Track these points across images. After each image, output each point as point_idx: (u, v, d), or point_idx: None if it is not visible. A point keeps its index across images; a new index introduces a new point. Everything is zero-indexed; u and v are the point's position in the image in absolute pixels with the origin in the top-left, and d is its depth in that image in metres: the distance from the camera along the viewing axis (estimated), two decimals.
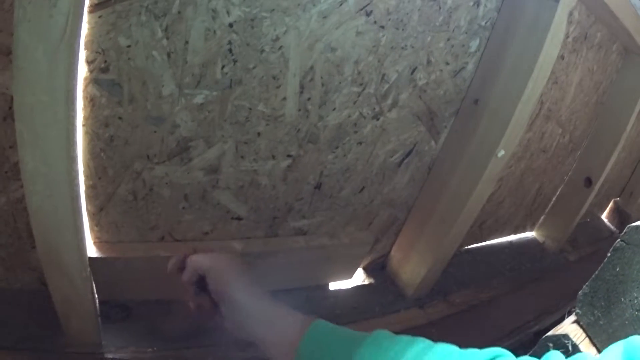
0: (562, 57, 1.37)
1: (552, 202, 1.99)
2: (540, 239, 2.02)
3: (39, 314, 0.98)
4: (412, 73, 1.13)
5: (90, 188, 0.95)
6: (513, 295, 1.58)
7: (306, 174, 1.14)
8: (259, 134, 1.02)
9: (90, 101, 0.86)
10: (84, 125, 0.88)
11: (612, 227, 2.44)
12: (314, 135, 1.09)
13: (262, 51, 0.94)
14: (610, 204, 2.52)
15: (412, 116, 1.19)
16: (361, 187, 1.25)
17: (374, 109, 1.12)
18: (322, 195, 1.20)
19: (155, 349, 1.03)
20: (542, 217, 2.03)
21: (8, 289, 1.03)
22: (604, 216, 2.51)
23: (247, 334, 0.88)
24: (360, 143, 1.16)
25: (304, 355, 0.81)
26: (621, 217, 2.52)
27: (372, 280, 1.43)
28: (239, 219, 1.13)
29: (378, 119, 1.15)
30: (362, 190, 1.26)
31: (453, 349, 0.70)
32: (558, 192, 1.96)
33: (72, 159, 0.77)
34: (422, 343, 0.72)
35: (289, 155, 1.09)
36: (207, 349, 1.05)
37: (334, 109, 1.07)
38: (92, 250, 1.01)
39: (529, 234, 2.05)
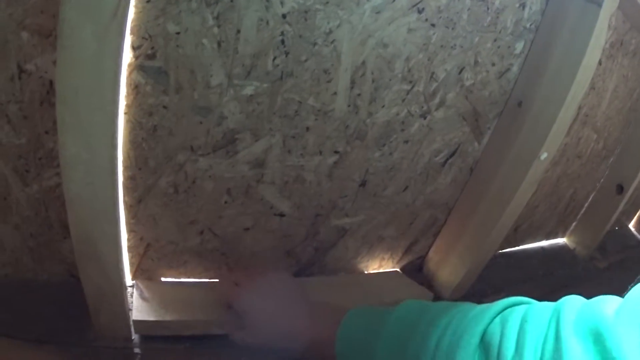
0: (600, 63, 1.33)
1: (584, 209, 1.95)
2: (571, 245, 1.99)
3: (67, 306, 0.96)
4: (459, 73, 1.11)
5: (129, 179, 0.93)
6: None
7: (352, 171, 1.12)
8: (307, 128, 1.00)
9: (135, 88, 0.83)
10: (126, 113, 0.85)
11: (638, 236, 2.40)
12: (362, 131, 1.06)
13: (315, 44, 0.91)
14: (638, 213, 2.48)
15: (457, 116, 1.17)
16: (405, 186, 1.23)
17: (422, 107, 1.10)
18: (366, 193, 1.18)
19: (188, 345, 1.00)
20: (574, 224, 1.99)
21: (34, 280, 1.01)
22: (631, 225, 2.47)
23: (271, 330, 0.94)
24: (406, 141, 1.14)
25: (342, 338, 0.86)
26: None
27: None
28: (282, 215, 1.11)
29: (425, 118, 1.12)
30: (406, 190, 1.24)
31: (471, 306, 0.76)
32: (590, 199, 1.93)
33: (114, 147, 0.75)
34: (434, 310, 0.78)
35: (336, 152, 1.06)
36: (242, 348, 1.00)
37: (383, 106, 1.05)
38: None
39: (560, 240, 2.01)
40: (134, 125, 0.87)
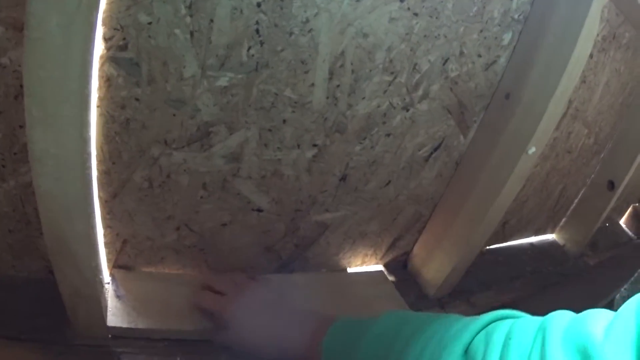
0: (591, 56, 1.32)
1: (574, 205, 1.94)
2: (561, 241, 1.98)
3: (47, 304, 0.94)
4: (444, 64, 1.08)
5: (103, 174, 0.90)
6: (535, 298, 1.53)
7: (332, 166, 1.10)
8: (284, 121, 0.97)
9: (107, 81, 0.81)
10: (98, 106, 0.83)
11: (630, 233, 2.39)
12: (342, 124, 1.04)
13: (291, 33, 0.88)
14: (629, 210, 2.47)
15: (442, 109, 1.14)
16: (387, 180, 1.21)
17: (405, 99, 1.07)
18: (347, 188, 1.16)
19: (166, 343, 0.99)
20: (564, 220, 1.98)
21: (15, 276, 0.99)
22: (622, 222, 2.46)
23: (260, 342, 0.94)
24: (388, 135, 1.11)
25: (328, 349, 0.86)
26: None
27: (393, 278, 1.39)
28: (260, 210, 1.09)
29: (408, 110, 1.10)
30: (388, 185, 1.22)
31: (455, 318, 0.75)
32: (580, 195, 1.91)
33: (85, 141, 0.72)
34: (416, 321, 0.78)
35: (314, 145, 1.04)
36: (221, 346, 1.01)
37: (363, 98, 1.02)
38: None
39: (550, 237, 2.00)
40: (107, 119, 0.85)
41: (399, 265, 1.47)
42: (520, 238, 1.85)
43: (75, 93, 0.67)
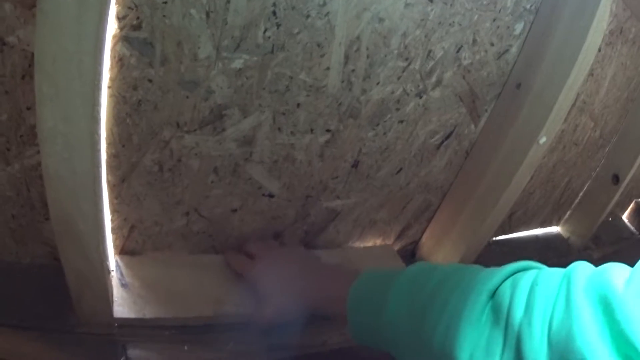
0: (599, 49, 1.30)
1: (578, 198, 1.93)
2: (565, 234, 1.97)
3: (50, 291, 0.93)
4: (457, 52, 1.07)
5: (112, 157, 0.89)
6: None
7: (344, 151, 1.09)
8: (298, 104, 0.96)
9: (119, 61, 0.79)
10: (109, 87, 0.81)
11: (632, 228, 2.38)
12: (356, 109, 1.03)
13: (308, 16, 0.87)
14: (632, 205, 2.46)
15: (454, 96, 1.13)
16: (399, 168, 1.20)
17: (418, 86, 1.06)
18: (358, 174, 1.15)
19: (172, 331, 0.98)
20: (569, 213, 1.97)
21: (17, 263, 0.98)
22: (624, 217, 2.45)
23: (289, 293, 0.97)
24: (401, 121, 1.10)
25: (354, 294, 0.88)
26: None
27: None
28: (271, 196, 1.08)
29: (421, 97, 1.09)
30: (400, 172, 1.21)
31: (481, 268, 0.77)
32: (585, 188, 1.90)
33: (95, 120, 0.71)
34: (444, 270, 0.79)
35: (328, 130, 1.03)
36: (228, 334, 1.01)
37: (377, 83, 1.01)
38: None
39: (554, 229, 1.99)
40: (118, 100, 0.83)
41: (407, 254, 1.47)
42: (526, 230, 1.84)
43: (88, 69, 0.65)
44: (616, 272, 0.60)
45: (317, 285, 0.96)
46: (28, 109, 0.79)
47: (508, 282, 0.70)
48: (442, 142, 1.21)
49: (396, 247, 1.43)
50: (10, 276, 0.96)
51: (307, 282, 0.97)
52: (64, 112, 0.67)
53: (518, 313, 0.64)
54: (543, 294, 0.64)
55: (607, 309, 0.55)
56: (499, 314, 0.66)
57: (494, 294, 0.70)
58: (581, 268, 0.64)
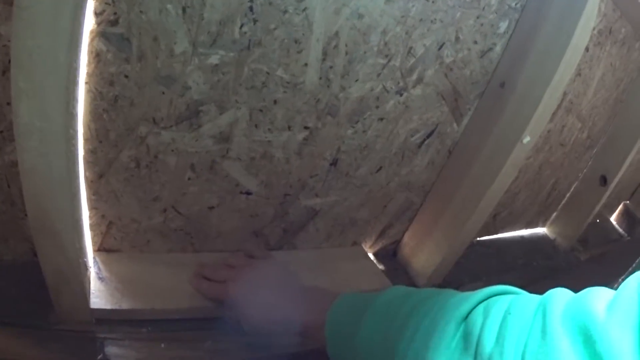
0: (587, 49, 1.32)
1: (565, 199, 1.94)
2: (552, 235, 1.97)
3: (31, 288, 0.93)
4: (439, 49, 1.07)
5: (90, 153, 0.89)
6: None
7: (323, 149, 1.08)
8: (275, 101, 0.96)
9: (96, 56, 0.79)
10: (87, 82, 0.81)
11: (620, 230, 2.39)
12: (334, 107, 1.02)
13: (285, 12, 0.87)
14: (620, 207, 2.47)
15: (436, 95, 1.13)
16: (379, 166, 1.20)
17: (398, 83, 1.06)
18: (337, 172, 1.15)
19: (149, 329, 0.98)
20: (555, 214, 1.98)
21: None
22: (612, 218, 2.46)
23: (267, 320, 0.93)
24: (381, 119, 1.10)
25: (331, 322, 0.86)
26: (630, 221, 2.46)
27: (382, 267, 1.38)
28: (248, 193, 1.07)
29: (402, 95, 1.08)
30: (380, 170, 1.21)
31: (454, 292, 0.76)
32: (572, 189, 1.91)
33: (71, 116, 0.71)
34: (418, 295, 0.78)
35: (306, 127, 1.03)
36: (206, 331, 1.01)
37: (356, 80, 1.01)
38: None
39: (540, 230, 2.00)
40: (95, 95, 0.83)
41: (389, 254, 1.46)
42: (511, 231, 1.85)
43: (63, 64, 0.65)
44: (596, 297, 0.58)
45: (296, 311, 0.93)
46: (8, 104, 0.78)
47: (480, 309, 0.68)
48: (424, 140, 1.21)
49: (377, 247, 1.43)
50: None
51: (285, 308, 0.95)
52: (40, 107, 0.66)
53: (489, 343, 0.62)
54: (516, 323, 0.62)
55: (588, 341, 0.53)
56: (469, 342, 0.65)
57: (465, 320, 0.68)
58: (558, 295, 0.62)
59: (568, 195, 1.93)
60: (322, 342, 0.87)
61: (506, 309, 0.65)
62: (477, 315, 0.67)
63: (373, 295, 0.85)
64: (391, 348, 0.73)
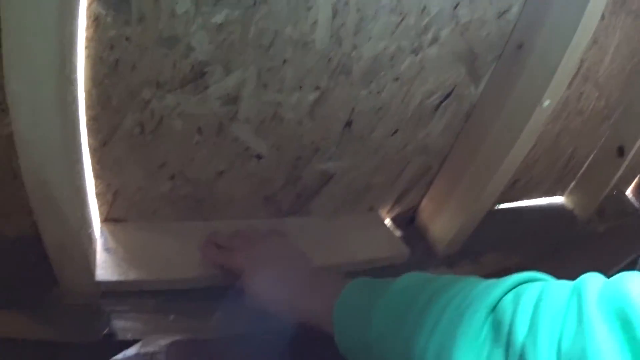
0: (603, 17, 1.26)
1: (583, 169, 1.89)
2: (569, 206, 1.93)
3: (35, 263, 0.89)
4: (454, 8, 1.02)
5: (92, 120, 0.85)
6: (543, 263, 1.48)
7: (336, 110, 1.04)
8: (285, 61, 0.91)
9: (95, 20, 0.75)
10: (86, 47, 0.76)
11: (636, 204, 2.34)
12: (347, 66, 0.97)
13: None
14: (636, 180, 2.42)
15: (452, 55, 1.08)
16: (395, 129, 1.15)
17: (413, 43, 1.01)
18: (352, 135, 1.10)
19: (157, 300, 0.96)
20: (573, 183, 1.93)
21: (2, 237, 0.95)
22: (628, 192, 2.41)
23: (274, 302, 0.90)
24: (396, 79, 1.05)
25: (340, 307, 0.81)
26: None
27: (399, 234, 1.34)
28: (259, 157, 1.03)
29: (417, 55, 1.03)
30: (396, 133, 1.16)
31: (479, 280, 0.71)
32: (590, 159, 1.86)
33: (69, 81, 0.68)
34: (437, 283, 0.74)
35: (317, 88, 0.98)
36: (215, 302, 0.98)
37: (369, 39, 0.96)
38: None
39: (559, 200, 1.95)
40: (95, 61, 0.79)
41: (406, 220, 1.43)
42: (530, 199, 1.81)
43: (51, 28, 0.61)
44: (632, 280, 0.55)
45: (302, 293, 0.90)
46: (3, 77, 0.73)
47: (509, 296, 0.65)
48: (441, 102, 1.16)
49: (394, 213, 1.40)
50: None
51: (291, 290, 0.91)
52: (30, 75, 0.63)
53: (521, 331, 0.59)
54: (550, 310, 0.59)
55: (626, 325, 0.50)
56: (500, 332, 0.61)
57: (493, 309, 0.65)
58: (592, 279, 0.60)
59: (586, 165, 1.89)
60: (330, 330, 0.83)
61: (538, 296, 0.62)
62: (507, 304, 0.63)
63: (386, 282, 0.82)
64: (409, 339, 0.69)
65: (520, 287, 0.66)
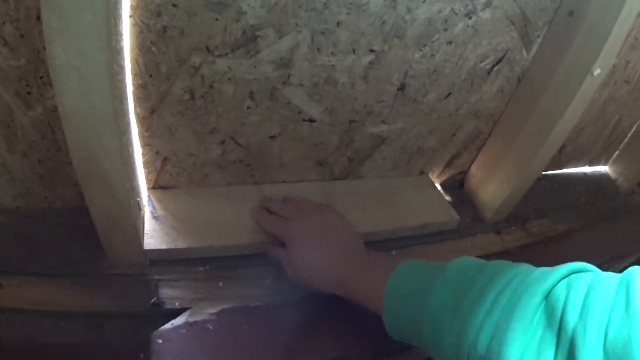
0: None
1: (627, 139, 1.84)
2: (613, 175, 1.88)
3: (81, 234, 0.90)
4: None
5: (139, 88, 0.84)
6: (587, 231, 1.46)
7: (389, 73, 1.01)
8: (338, 23, 0.88)
9: None
10: (131, 16, 0.75)
11: None
12: (401, 29, 0.94)
13: None
14: None
15: (505, 19, 1.04)
16: (447, 92, 1.12)
17: (467, 5, 0.97)
18: (405, 98, 1.07)
19: (207, 267, 0.95)
20: (617, 153, 1.88)
21: (48, 208, 0.96)
22: None
23: (319, 278, 0.89)
24: (450, 43, 1.02)
25: (392, 289, 0.80)
26: None
27: (449, 198, 1.33)
28: (312, 121, 1.01)
29: (470, 18, 1.00)
30: (448, 97, 1.13)
31: (533, 267, 0.72)
32: (634, 129, 1.81)
33: (115, 51, 0.67)
34: (493, 268, 0.74)
35: (371, 50, 0.95)
36: (267, 268, 0.97)
37: (423, 1, 0.92)
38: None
39: (603, 169, 1.91)
40: (141, 29, 0.77)
41: (456, 185, 1.42)
42: (575, 167, 1.78)
43: None
44: None
45: (351, 271, 0.88)
46: (45, 49, 0.73)
47: (562, 284, 0.66)
48: (493, 67, 1.13)
49: (444, 177, 1.38)
50: (40, 223, 0.94)
51: (341, 265, 0.89)
52: (76, 45, 0.61)
53: (573, 316, 0.60)
54: (600, 297, 0.60)
55: None
56: (553, 317, 0.62)
57: (548, 294, 0.66)
58: (638, 272, 0.61)
59: (630, 134, 1.84)
60: (376, 308, 0.82)
61: (589, 285, 0.63)
62: (560, 291, 0.64)
63: (440, 264, 0.81)
64: (465, 318, 0.69)
65: (572, 275, 0.67)
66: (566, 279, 0.66)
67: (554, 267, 0.69)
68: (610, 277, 0.63)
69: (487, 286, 0.69)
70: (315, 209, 1.02)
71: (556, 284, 0.66)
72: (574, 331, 0.58)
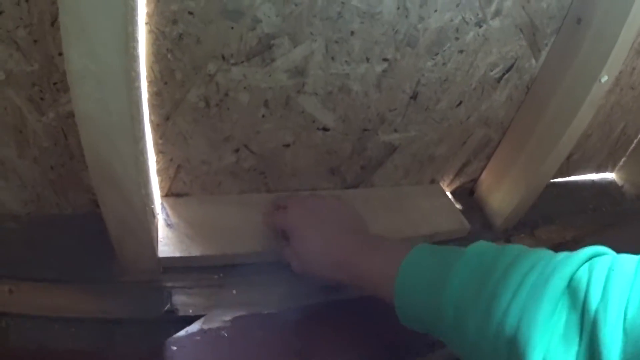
0: None
1: (633, 145, 1.84)
2: (620, 182, 1.88)
3: (92, 240, 0.89)
4: None
5: (154, 95, 0.84)
6: (595, 238, 1.45)
7: (402, 82, 1.01)
8: (352, 32, 0.88)
9: None
10: (147, 23, 0.75)
11: None
12: (413, 37, 0.94)
13: None
14: None
15: (514, 28, 1.05)
16: (459, 101, 1.12)
17: (477, 14, 0.98)
18: (417, 106, 1.08)
19: (220, 275, 0.95)
20: (623, 159, 1.88)
21: (59, 215, 0.95)
22: None
23: (324, 265, 0.88)
24: (461, 51, 1.02)
25: (405, 274, 0.79)
26: None
27: (459, 206, 1.32)
28: (325, 129, 1.02)
29: (481, 27, 1.00)
30: (460, 105, 1.13)
31: (552, 252, 0.71)
32: None
33: (132, 57, 0.66)
34: (513, 251, 0.72)
35: (384, 59, 0.95)
36: (280, 275, 0.96)
37: (435, 10, 0.92)
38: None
39: (609, 175, 1.91)
40: (157, 36, 0.77)
41: (466, 193, 1.42)
42: (582, 174, 1.78)
43: (117, 4, 0.59)
44: None
45: (360, 257, 0.85)
46: (60, 54, 0.75)
47: (585, 267, 0.66)
48: (503, 75, 1.13)
49: (455, 185, 1.38)
50: (53, 229, 0.93)
51: (347, 251, 0.87)
52: (94, 50, 0.61)
53: (595, 299, 0.61)
54: (619, 279, 0.61)
55: None
56: (576, 299, 0.63)
57: (571, 279, 0.66)
58: None
59: (636, 141, 1.84)
60: (386, 295, 0.80)
61: (609, 267, 0.64)
62: (583, 274, 0.65)
63: (457, 248, 0.80)
64: (490, 301, 0.68)
65: (593, 259, 0.67)
66: (588, 262, 0.67)
67: (575, 252, 0.69)
68: (629, 259, 0.64)
69: (511, 267, 0.69)
70: (317, 195, 1.03)
71: (579, 268, 0.66)
72: (596, 312, 0.59)
